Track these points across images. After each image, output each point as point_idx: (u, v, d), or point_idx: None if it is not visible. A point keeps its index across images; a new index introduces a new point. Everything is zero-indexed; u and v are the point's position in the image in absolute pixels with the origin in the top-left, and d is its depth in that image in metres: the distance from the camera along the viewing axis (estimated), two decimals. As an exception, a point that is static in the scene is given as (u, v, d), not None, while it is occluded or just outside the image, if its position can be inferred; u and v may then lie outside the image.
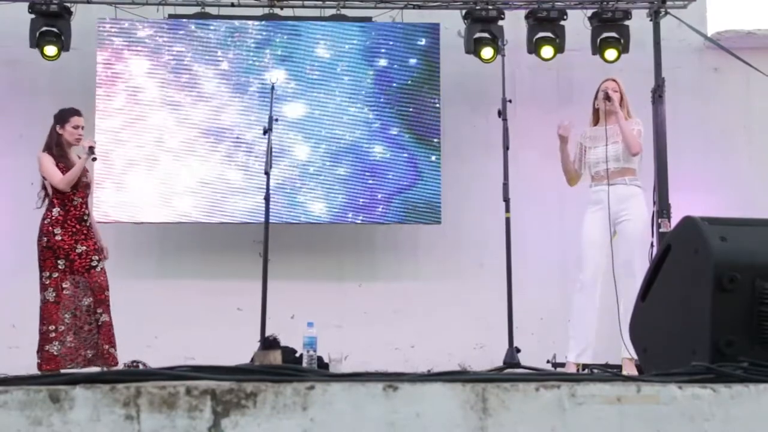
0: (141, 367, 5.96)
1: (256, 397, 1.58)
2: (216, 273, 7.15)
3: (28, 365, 5.28)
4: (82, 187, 5.59)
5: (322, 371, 1.87)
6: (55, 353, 5.33)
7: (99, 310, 5.45)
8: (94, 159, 5.56)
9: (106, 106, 6.93)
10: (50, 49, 6.88)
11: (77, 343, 5.39)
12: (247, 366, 1.78)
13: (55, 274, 5.40)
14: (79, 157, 5.59)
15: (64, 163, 5.56)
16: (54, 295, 5.38)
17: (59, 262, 5.42)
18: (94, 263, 5.49)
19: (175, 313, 6.94)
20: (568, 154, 5.66)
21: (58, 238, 5.45)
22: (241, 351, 5.31)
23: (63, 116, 5.66)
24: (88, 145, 5.56)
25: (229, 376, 1.65)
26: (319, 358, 5.48)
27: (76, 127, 5.62)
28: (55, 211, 5.50)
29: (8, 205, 7.15)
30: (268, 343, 5.48)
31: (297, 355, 5.69)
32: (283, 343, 5.79)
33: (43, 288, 5.41)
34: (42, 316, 5.39)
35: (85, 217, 5.59)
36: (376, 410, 1.60)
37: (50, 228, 5.46)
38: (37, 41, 6.85)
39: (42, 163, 5.57)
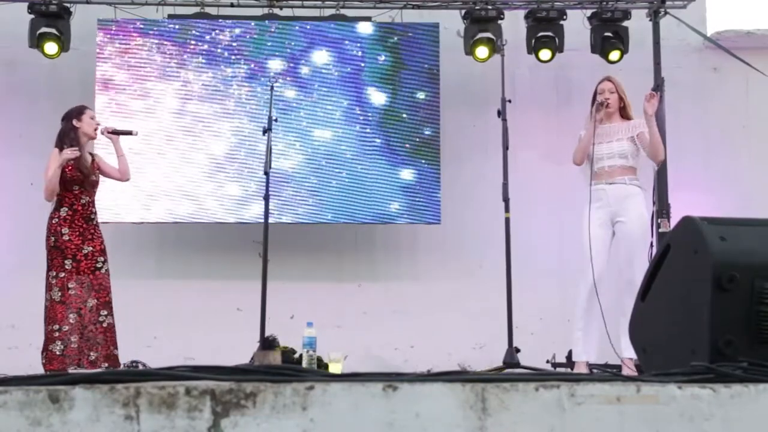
0: (140, 367, 5.96)
1: (255, 397, 1.58)
2: (216, 273, 7.15)
3: (28, 365, 5.26)
4: (90, 186, 5.53)
5: (321, 371, 1.88)
6: (58, 353, 5.25)
7: (104, 312, 5.37)
8: (136, 134, 5.77)
9: (105, 107, 6.93)
10: (51, 47, 6.87)
11: (82, 343, 5.30)
12: (247, 366, 1.78)
13: (62, 274, 5.33)
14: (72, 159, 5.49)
15: (75, 161, 5.46)
16: (60, 294, 5.31)
17: (66, 262, 5.35)
18: (99, 264, 5.42)
19: (175, 313, 6.94)
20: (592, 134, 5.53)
21: (66, 238, 5.37)
22: (241, 351, 5.33)
23: (78, 110, 5.62)
24: (109, 130, 5.64)
25: (228, 377, 1.65)
26: (319, 359, 5.48)
27: (93, 118, 5.63)
28: (63, 210, 5.42)
29: (8, 205, 7.15)
30: (268, 344, 5.48)
31: (296, 355, 5.69)
32: (282, 344, 5.80)
33: (49, 287, 5.35)
34: (47, 315, 5.33)
35: (92, 216, 5.51)
36: (376, 410, 1.60)
37: (58, 228, 5.38)
38: (37, 41, 6.84)
39: (49, 159, 5.48)
